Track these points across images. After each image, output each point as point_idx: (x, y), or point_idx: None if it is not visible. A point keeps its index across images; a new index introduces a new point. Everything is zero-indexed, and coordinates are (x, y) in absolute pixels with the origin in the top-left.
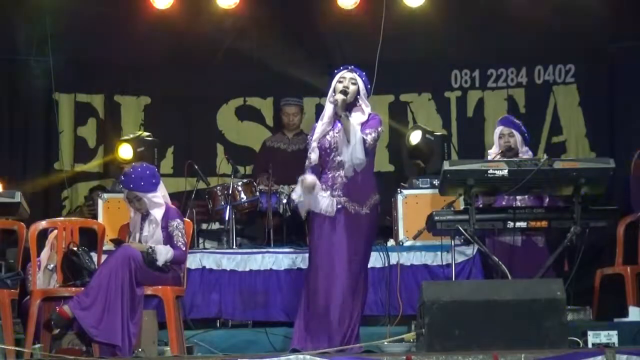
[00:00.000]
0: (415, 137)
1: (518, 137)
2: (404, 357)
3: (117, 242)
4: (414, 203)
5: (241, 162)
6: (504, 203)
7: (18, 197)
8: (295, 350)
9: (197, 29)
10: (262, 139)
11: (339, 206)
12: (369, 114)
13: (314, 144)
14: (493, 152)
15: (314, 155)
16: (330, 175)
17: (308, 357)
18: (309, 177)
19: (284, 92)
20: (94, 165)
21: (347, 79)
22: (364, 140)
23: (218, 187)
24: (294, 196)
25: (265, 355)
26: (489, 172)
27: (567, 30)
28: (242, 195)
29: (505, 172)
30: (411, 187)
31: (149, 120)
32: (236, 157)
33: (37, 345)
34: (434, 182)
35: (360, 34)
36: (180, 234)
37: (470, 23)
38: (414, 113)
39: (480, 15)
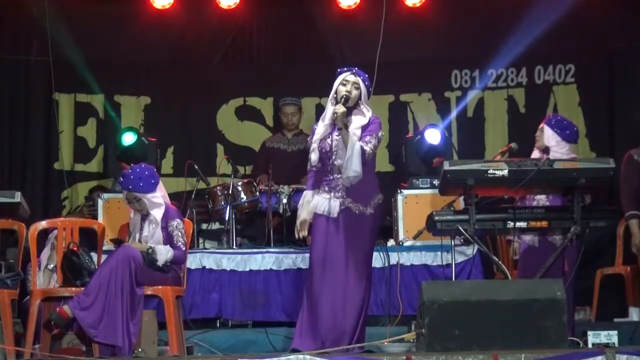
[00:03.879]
0: (433, 136)
1: (548, 132)
2: (404, 357)
3: (117, 242)
4: (414, 203)
5: (241, 162)
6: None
7: (18, 197)
8: (295, 350)
9: (197, 29)
10: (262, 139)
11: (342, 207)
12: (370, 118)
13: (314, 145)
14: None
15: (314, 156)
16: (331, 177)
17: (308, 357)
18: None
19: (284, 92)
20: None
21: (351, 83)
22: (363, 151)
23: (218, 187)
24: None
25: (265, 355)
26: (489, 172)
27: (567, 30)
28: (242, 195)
29: (505, 172)
30: (411, 187)
31: (149, 120)
32: (236, 157)
33: (37, 345)
34: (434, 182)
35: (360, 34)
36: (180, 234)
37: (470, 23)
38: (414, 113)
39: (480, 15)
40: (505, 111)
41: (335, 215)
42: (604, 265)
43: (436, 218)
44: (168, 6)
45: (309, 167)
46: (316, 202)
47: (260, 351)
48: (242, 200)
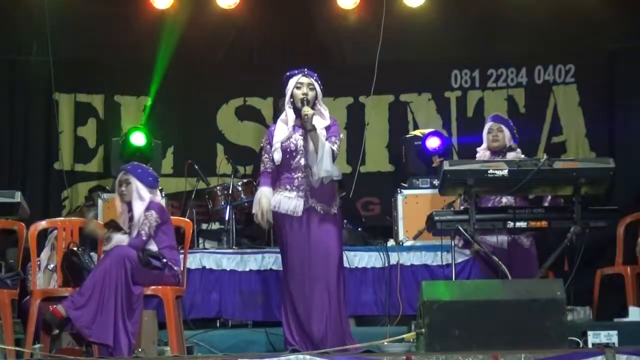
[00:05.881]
0: (434, 144)
1: (507, 132)
2: (404, 357)
3: (112, 226)
4: (414, 203)
5: (241, 162)
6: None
7: (18, 197)
8: (295, 350)
9: (197, 29)
10: (262, 139)
11: (306, 206)
12: (330, 119)
13: (277, 145)
14: (480, 149)
15: (277, 156)
16: (295, 177)
17: (308, 357)
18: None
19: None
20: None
21: (305, 85)
22: (332, 151)
23: (218, 187)
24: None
25: (265, 355)
26: (489, 172)
27: (567, 30)
28: (242, 195)
29: (505, 172)
30: (411, 187)
31: (149, 120)
32: (236, 157)
33: (37, 345)
34: (434, 182)
35: (360, 34)
36: (147, 224)
37: (470, 23)
38: (414, 113)
39: (480, 15)
40: (505, 111)
41: (300, 214)
42: (604, 265)
43: (436, 218)
44: (168, 6)
45: (262, 167)
46: (277, 201)
47: (260, 351)
48: (242, 200)
